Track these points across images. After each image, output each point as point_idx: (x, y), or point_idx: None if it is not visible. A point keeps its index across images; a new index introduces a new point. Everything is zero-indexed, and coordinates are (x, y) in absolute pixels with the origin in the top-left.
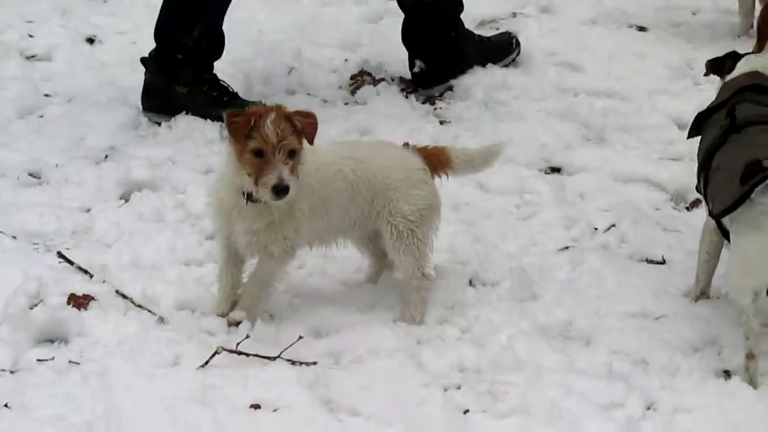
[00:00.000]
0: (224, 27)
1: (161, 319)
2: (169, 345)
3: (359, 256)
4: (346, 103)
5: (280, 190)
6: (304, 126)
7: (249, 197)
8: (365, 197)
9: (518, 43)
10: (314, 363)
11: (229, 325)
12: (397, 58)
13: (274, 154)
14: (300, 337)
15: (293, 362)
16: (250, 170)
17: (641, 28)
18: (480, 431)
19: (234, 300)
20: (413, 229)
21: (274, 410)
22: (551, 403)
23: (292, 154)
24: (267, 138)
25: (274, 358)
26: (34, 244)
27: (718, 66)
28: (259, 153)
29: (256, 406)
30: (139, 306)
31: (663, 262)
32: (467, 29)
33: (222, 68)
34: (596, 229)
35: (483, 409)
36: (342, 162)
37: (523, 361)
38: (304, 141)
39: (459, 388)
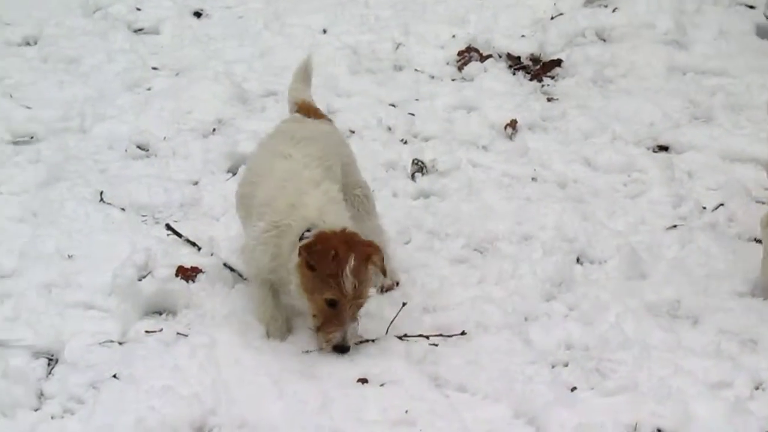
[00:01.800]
0: (329, 2)
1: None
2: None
3: (466, 232)
4: (453, 80)
5: (343, 350)
6: (382, 267)
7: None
8: None
9: None
10: (426, 337)
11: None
12: (505, 34)
13: (348, 308)
14: (403, 304)
15: (401, 337)
16: (318, 315)
17: (751, 6)
18: (588, 409)
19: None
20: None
21: (381, 385)
22: (660, 382)
23: (362, 304)
24: (345, 291)
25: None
26: (143, 216)
27: None
28: (332, 303)
29: (364, 381)
30: (246, 279)
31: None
32: None
33: (328, 42)
34: (704, 208)
35: (591, 387)
36: None
37: (631, 339)
38: None
39: (566, 365)
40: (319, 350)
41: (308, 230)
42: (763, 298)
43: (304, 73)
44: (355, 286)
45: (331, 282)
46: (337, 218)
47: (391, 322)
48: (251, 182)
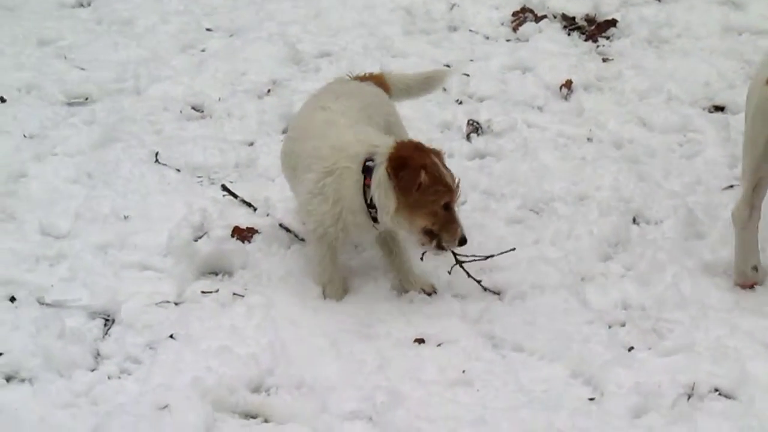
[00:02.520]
0: None
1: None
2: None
3: (522, 193)
4: (508, 40)
5: (464, 243)
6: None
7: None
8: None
9: None
10: (496, 292)
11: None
12: None
13: (457, 205)
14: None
15: (458, 296)
16: (435, 223)
17: None
18: (645, 369)
19: None
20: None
21: (438, 345)
22: (716, 342)
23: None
24: (453, 188)
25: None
26: (198, 176)
27: None
28: (447, 206)
29: (420, 341)
30: (303, 239)
31: None
32: None
33: (382, 3)
34: None
35: (648, 347)
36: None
37: (688, 299)
38: None
39: (623, 325)
40: (437, 251)
41: (370, 160)
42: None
43: None
44: (455, 179)
45: (439, 188)
46: (382, 139)
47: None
48: (293, 138)
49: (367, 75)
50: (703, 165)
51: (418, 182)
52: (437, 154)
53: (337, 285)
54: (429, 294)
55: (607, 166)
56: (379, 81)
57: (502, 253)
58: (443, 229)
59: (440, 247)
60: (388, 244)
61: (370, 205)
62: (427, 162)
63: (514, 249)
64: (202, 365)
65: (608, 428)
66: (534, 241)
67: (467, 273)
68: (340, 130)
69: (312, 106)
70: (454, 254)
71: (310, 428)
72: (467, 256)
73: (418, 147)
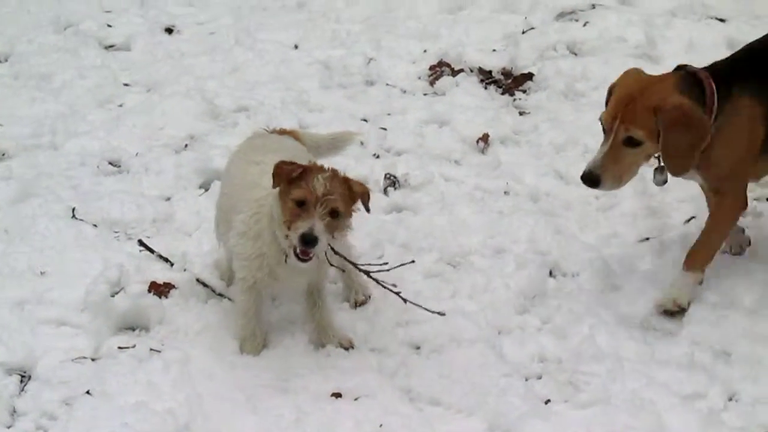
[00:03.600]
0: (301, 16)
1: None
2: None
3: (439, 246)
4: (425, 94)
5: (310, 241)
6: (362, 193)
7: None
8: None
9: None
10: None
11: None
12: (476, 49)
13: (315, 205)
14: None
15: (375, 350)
16: (289, 217)
17: (721, 20)
18: (562, 421)
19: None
20: None
21: (356, 399)
22: (633, 394)
23: (335, 214)
24: (312, 189)
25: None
26: (115, 232)
27: None
28: (300, 203)
29: (338, 395)
30: (220, 294)
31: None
32: None
33: (300, 57)
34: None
35: (564, 399)
36: None
37: (605, 351)
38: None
39: (540, 378)
40: (289, 249)
41: None
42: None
43: None
44: (325, 186)
45: (299, 183)
46: None
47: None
48: (228, 194)
49: (282, 130)
50: (619, 217)
51: (278, 179)
52: (330, 171)
53: (257, 339)
54: (346, 348)
55: (524, 219)
56: (294, 136)
57: (401, 264)
58: (292, 224)
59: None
60: (313, 296)
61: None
62: (299, 169)
63: (413, 261)
64: (118, 421)
65: None
66: (451, 294)
67: (375, 280)
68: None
69: (243, 161)
70: (355, 265)
71: None
72: (369, 264)
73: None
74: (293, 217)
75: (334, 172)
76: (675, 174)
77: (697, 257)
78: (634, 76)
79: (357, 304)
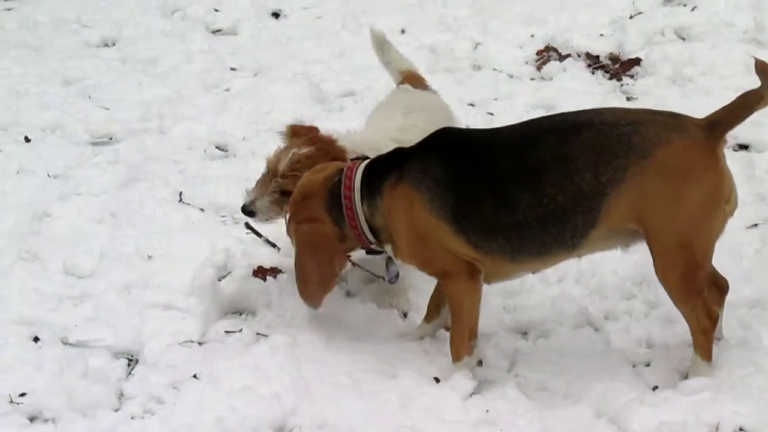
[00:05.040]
0: (408, 2)
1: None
2: (359, 317)
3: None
4: (532, 79)
5: (244, 211)
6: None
7: None
8: None
9: None
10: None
11: None
12: (583, 33)
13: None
14: None
15: (480, 335)
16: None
17: None
18: (669, 408)
19: None
20: None
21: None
22: (740, 380)
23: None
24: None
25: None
26: (222, 216)
27: None
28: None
29: (438, 379)
30: None
31: None
32: None
33: (407, 41)
34: None
35: (672, 386)
36: None
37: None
38: None
39: (648, 365)
40: None
41: None
42: None
43: (387, 44)
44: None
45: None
46: None
47: None
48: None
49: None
50: None
51: None
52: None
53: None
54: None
55: None
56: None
57: None
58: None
59: None
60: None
61: None
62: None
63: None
64: (225, 405)
65: None
66: (558, 279)
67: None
68: None
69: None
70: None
71: None
72: None
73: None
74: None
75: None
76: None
77: (455, 346)
78: (308, 177)
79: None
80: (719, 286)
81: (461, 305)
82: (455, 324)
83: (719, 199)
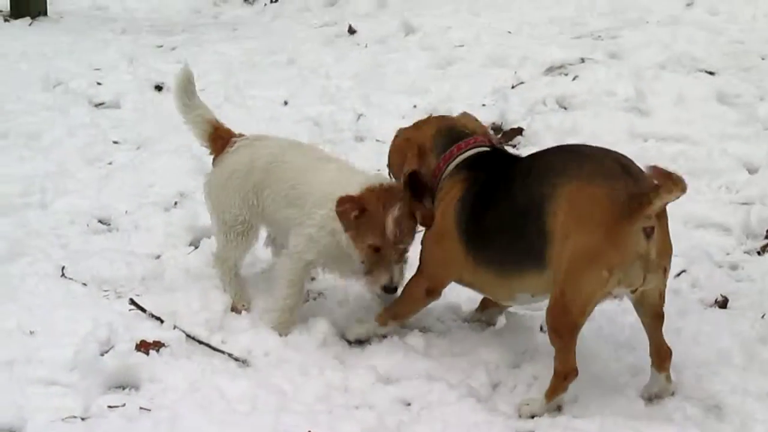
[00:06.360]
0: (291, 72)
1: (242, 362)
2: (243, 391)
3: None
4: None
5: (390, 290)
6: (424, 217)
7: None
8: None
9: None
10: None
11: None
12: (465, 103)
13: (391, 255)
14: None
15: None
16: (366, 261)
17: (710, 73)
18: None
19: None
20: None
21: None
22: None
23: (406, 252)
24: (388, 238)
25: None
26: (104, 290)
27: None
28: (376, 249)
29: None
30: (214, 349)
31: (724, 306)
32: None
33: (290, 114)
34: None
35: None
36: None
37: (592, 411)
38: None
39: None
40: (370, 293)
41: None
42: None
43: (193, 86)
44: (397, 232)
45: (372, 226)
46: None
47: None
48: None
49: None
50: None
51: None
52: (414, 203)
53: (293, 317)
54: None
55: None
56: None
57: None
58: (369, 272)
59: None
60: None
61: None
62: (371, 203)
63: None
64: None
65: None
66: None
67: None
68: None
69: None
70: None
71: None
72: None
73: (388, 191)
74: (371, 264)
75: (402, 205)
76: None
77: (385, 313)
78: None
79: None
80: (661, 353)
81: (409, 296)
82: (398, 303)
83: (597, 262)
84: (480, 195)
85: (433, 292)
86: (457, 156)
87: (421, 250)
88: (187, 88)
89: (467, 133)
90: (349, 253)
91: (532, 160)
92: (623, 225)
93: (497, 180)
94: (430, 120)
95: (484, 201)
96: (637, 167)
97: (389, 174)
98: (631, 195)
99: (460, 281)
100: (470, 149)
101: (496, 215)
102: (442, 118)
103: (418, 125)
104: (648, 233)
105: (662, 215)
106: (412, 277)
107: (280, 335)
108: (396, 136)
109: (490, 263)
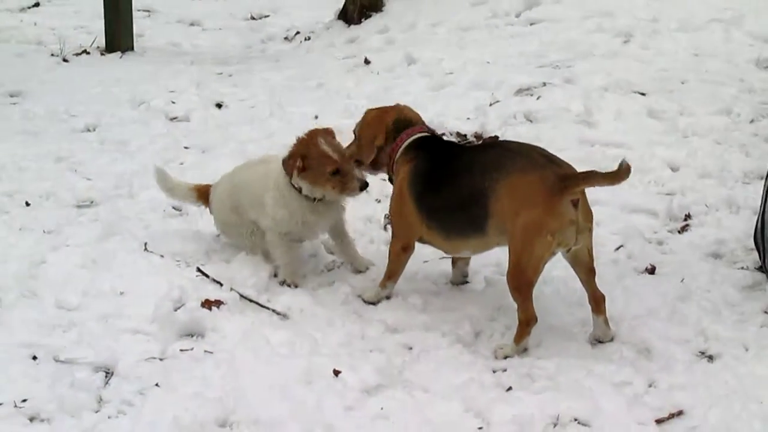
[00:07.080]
0: (320, 93)
1: (283, 316)
2: (284, 338)
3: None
4: None
5: (364, 185)
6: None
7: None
8: None
9: None
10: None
11: None
12: (454, 117)
13: (347, 166)
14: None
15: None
16: (336, 186)
17: (642, 94)
18: (521, 404)
19: None
20: None
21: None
22: (576, 383)
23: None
24: (337, 158)
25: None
26: (177, 261)
27: None
28: (336, 172)
29: (337, 371)
30: (262, 306)
31: (652, 272)
32: None
33: (320, 124)
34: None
35: (523, 388)
36: None
37: (551, 352)
38: None
39: (505, 370)
40: (349, 195)
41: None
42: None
43: (166, 175)
44: (337, 147)
45: (322, 160)
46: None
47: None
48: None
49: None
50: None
51: (299, 167)
52: (326, 133)
53: (299, 272)
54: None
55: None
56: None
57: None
58: (342, 189)
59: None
60: (339, 235)
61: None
62: (305, 149)
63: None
64: (180, 407)
65: None
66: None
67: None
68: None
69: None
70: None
71: None
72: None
73: (302, 139)
74: (341, 184)
75: (322, 135)
76: None
77: (383, 279)
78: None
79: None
80: (596, 299)
81: (391, 256)
82: (388, 266)
83: (542, 230)
84: (428, 173)
85: (407, 248)
86: (408, 140)
87: (391, 217)
88: (164, 180)
89: (413, 122)
90: (303, 213)
91: (473, 155)
92: (557, 199)
93: (441, 161)
94: (393, 107)
95: (432, 180)
96: (557, 157)
97: (357, 144)
98: (559, 176)
99: (421, 241)
100: (416, 134)
101: (445, 198)
102: (400, 108)
103: (385, 109)
104: (575, 203)
105: (582, 191)
106: (391, 241)
107: (290, 286)
108: (367, 113)
109: (441, 230)
